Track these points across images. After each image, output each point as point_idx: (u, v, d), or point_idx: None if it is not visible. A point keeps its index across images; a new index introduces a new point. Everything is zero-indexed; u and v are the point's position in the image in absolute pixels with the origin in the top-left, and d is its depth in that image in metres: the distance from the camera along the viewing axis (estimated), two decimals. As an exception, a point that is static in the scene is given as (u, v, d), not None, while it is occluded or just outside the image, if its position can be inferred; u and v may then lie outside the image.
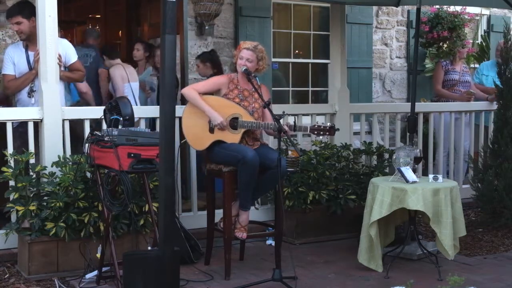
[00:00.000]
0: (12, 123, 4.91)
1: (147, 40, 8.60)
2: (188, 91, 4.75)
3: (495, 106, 6.53)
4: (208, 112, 4.64)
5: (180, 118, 4.88)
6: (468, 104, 7.22)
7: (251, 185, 4.57)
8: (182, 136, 4.90)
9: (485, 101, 7.21)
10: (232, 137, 4.63)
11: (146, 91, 7.19)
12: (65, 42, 5.35)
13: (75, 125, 5.15)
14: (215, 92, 4.80)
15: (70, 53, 5.30)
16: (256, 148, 4.67)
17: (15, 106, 5.28)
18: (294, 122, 4.62)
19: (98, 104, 6.13)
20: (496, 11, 10.08)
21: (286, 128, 4.46)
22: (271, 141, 5.77)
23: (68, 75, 5.29)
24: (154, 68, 7.32)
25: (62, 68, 5.14)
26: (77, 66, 5.38)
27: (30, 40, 5.17)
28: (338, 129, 4.72)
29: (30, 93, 5.13)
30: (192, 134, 4.76)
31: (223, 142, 4.65)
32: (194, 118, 4.72)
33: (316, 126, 4.63)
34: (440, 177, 4.80)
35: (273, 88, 8.20)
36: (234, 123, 4.64)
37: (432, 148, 6.89)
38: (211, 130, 4.68)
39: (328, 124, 4.75)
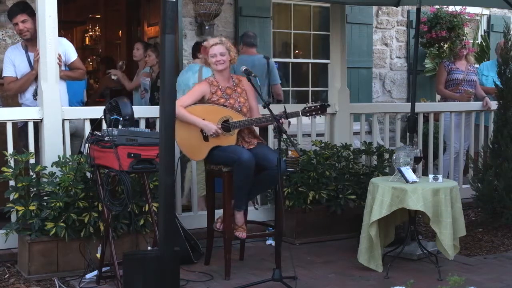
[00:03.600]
0: (18, 123, 4.91)
1: (147, 40, 8.61)
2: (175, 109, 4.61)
3: (495, 106, 6.53)
4: (200, 125, 4.58)
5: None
6: (468, 104, 7.21)
7: (245, 186, 4.55)
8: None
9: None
10: (228, 140, 4.61)
11: (141, 92, 7.17)
12: (65, 41, 5.34)
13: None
14: (200, 99, 4.72)
15: (70, 52, 5.30)
16: (253, 147, 4.66)
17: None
18: (285, 110, 4.51)
19: None
20: (496, 11, 10.09)
21: (282, 120, 4.37)
22: (271, 141, 5.78)
23: (69, 74, 5.28)
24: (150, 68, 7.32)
25: (63, 67, 5.14)
26: (77, 64, 5.37)
27: (31, 40, 5.16)
28: (329, 105, 4.66)
29: (35, 95, 5.12)
30: (187, 146, 4.72)
31: (220, 146, 4.63)
32: (186, 130, 4.63)
33: (306, 108, 4.57)
34: (440, 177, 4.80)
35: (273, 88, 8.20)
36: (226, 125, 4.62)
37: (432, 148, 6.89)
38: (206, 138, 4.64)
39: (318, 102, 4.67)
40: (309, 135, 6.27)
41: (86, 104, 6.65)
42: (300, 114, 4.58)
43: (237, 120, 4.60)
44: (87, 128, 4.98)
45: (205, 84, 4.77)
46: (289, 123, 4.68)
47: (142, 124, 5.29)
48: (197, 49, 6.32)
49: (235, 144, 4.61)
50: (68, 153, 4.91)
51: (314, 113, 4.56)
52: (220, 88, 4.73)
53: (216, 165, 4.70)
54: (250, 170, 4.48)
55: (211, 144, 4.63)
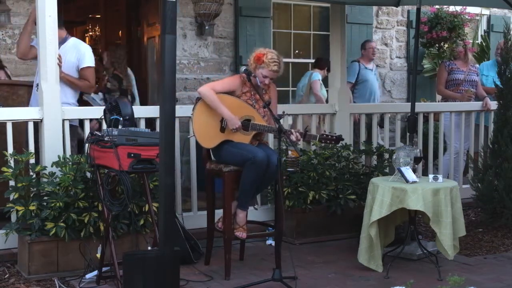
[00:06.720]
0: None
1: (146, 40, 8.61)
2: (208, 91, 4.63)
3: (495, 106, 6.53)
4: (225, 116, 4.59)
5: (179, 118, 4.86)
6: (468, 104, 7.20)
7: (254, 185, 4.59)
8: (182, 137, 4.88)
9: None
10: (242, 138, 4.63)
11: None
12: (83, 46, 5.37)
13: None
14: (228, 93, 4.74)
15: (86, 57, 5.28)
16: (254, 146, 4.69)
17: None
18: (305, 130, 4.68)
19: None
20: (496, 11, 10.08)
21: (295, 137, 4.52)
22: (271, 141, 5.77)
23: (70, 79, 5.19)
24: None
25: (75, 72, 5.15)
26: (86, 73, 5.30)
27: None
28: (343, 139, 4.84)
29: (37, 86, 5.11)
30: (202, 131, 4.71)
31: (231, 141, 4.65)
32: (206, 116, 4.67)
33: (324, 135, 4.74)
34: (440, 177, 4.80)
35: (273, 88, 8.20)
36: (245, 124, 4.64)
37: (432, 148, 6.89)
38: (222, 129, 4.66)
39: (335, 134, 4.81)
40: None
41: None
42: (317, 139, 4.76)
43: (258, 123, 4.63)
44: (87, 128, 4.98)
45: (238, 79, 4.78)
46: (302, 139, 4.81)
47: (142, 124, 5.29)
48: (318, 62, 8.05)
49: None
50: (68, 153, 4.91)
51: (328, 142, 4.75)
52: (251, 91, 4.74)
53: (216, 164, 4.71)
54: (262, 170, 4.51)
55: (225, 137, 4.65)
